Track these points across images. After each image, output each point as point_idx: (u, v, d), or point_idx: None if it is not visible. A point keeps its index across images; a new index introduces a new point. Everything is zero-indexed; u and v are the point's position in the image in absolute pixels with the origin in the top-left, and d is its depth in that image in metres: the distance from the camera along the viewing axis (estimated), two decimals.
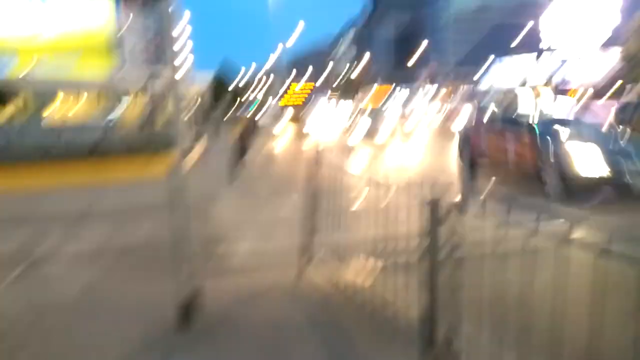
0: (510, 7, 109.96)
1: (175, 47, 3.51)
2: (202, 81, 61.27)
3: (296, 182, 12.26)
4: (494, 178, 10.46)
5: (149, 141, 16.97)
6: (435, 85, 56.65)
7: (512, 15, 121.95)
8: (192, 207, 3.92)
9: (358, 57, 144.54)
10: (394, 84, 56.45)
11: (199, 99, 60.26)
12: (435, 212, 2.89)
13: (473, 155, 11.58)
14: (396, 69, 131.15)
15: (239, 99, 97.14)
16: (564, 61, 28.13)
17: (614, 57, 33.51)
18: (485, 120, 11.49)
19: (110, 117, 20.60)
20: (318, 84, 60.66)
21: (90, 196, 9.79)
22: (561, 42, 28.25)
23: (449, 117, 32.77)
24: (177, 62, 3.52)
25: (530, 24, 64.98)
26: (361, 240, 4.65)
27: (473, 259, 3.15)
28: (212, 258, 5.85)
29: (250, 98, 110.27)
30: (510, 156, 9.85)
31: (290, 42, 46.35)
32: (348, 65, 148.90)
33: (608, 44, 35.00)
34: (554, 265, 2.58)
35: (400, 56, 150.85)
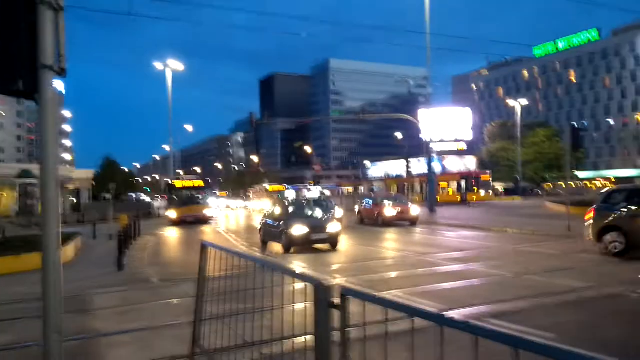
0: (383, 118, 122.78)
1: (51, 144, 3.28)
2: (85, 176, 58.55)
3: (186, 268, 12.37)
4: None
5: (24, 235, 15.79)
6: (319, 186, 60.11)
7: (385, 126, 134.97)
8: (70, 299, 3.43)
9: (247, 159, 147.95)
10: (284, 184, 59.44)
11: (81, 193, 57.03)
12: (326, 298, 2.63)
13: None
14: (283, 171, 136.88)
15: (124, 192, 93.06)
16: (428, 161, 32.62)
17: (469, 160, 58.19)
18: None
19: None
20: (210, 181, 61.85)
21: None
22: (433, 145, 33.10)
23: None
24: (51, 159, 3.28)
25: (397, 134, 76.94)
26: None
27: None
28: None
29: (137, 193, 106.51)
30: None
31: (172, 143, 47.12)
32: (237, 166, 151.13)
33: (464, 153, 49.06)
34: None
35: (288, 158, 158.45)
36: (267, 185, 59.21)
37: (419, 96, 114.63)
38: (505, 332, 1.70)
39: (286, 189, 56.55)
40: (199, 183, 33.45)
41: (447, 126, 36.26)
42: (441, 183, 50.02)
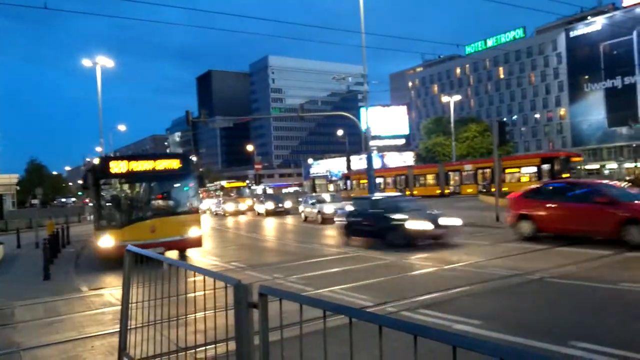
0: (324, 116, 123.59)
1: None
2: (7, 181, 54.95)
3: (120, 275, 11.89)
4: None
5: None
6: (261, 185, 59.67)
7: (326, 123, 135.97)
8: None
9: None
10: (246, 181, 58.75)
11: (4, 200, 53.44)
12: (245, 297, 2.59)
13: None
14: (224, 170, 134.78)
15: (53, 197, 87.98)
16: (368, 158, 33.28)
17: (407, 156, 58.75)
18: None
19: None
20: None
21: None
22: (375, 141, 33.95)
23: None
24: None
25: (338, 132, 77.10)
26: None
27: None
28: None
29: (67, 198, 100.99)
30: None
31: (104, 144, 45.14)
32: None
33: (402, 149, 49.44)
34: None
35: (229, 157, 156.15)
36: (223, 182, 56.51)
37: (358, 93, 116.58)
38: (406, 321, 1.77)
39: (247, 185, 54.83)
40: (171, 164, 14.49)
41: (386, 123, 37.17)
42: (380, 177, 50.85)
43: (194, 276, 3.52)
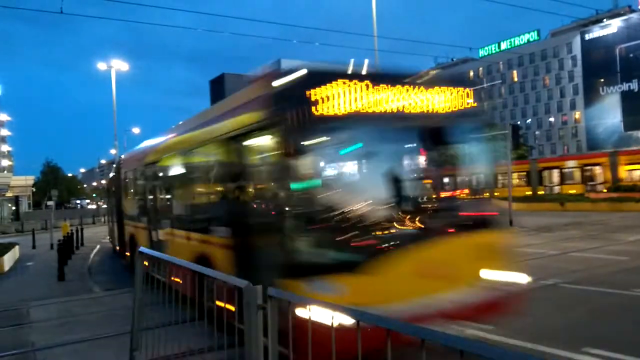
0: None
1: None
2: (24, 183, 55.80)
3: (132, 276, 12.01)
4: None
5: None
6: None
7: None
8: (4, 312, 3.57)
9: None
10: None
11: (20, 201, 54.18)
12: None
13: None
14: None
15: (68, 199, 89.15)
16: None
17: None
18: None
19: None
20: None
21: None
22: None
23: None
24: None
25: None
26: None
27: None
28: None
29: (81, 199, 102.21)
30: None
31: (119, 147, 45.58)
32: None
33: None
34: None
35: None
36: None
37: None
38: (415, 325, 1.77)
39: None
40: (462, 101, 5.35)
41: None
42: None
43: (205, 278, 3.55)
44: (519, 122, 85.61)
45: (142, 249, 4.83)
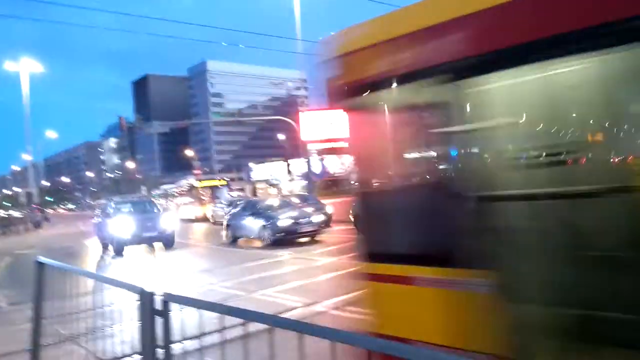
0: (265, 120, 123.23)
1: None
2: None
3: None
4: None
5: None
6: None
7: (268, 128, 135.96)
8: None
9: (122, 166, 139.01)
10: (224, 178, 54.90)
11: None
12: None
13: None
14: (162, 177, 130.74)
15: None
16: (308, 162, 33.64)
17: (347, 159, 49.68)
18: None
19: None
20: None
21: None
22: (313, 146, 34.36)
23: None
24: None
25: (279, 136, 77.36)
26: None
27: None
28: None
29: None
30: None
31: (32, 152, 42.71)
32: (111, 174, 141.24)
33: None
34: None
35: (168, 163, 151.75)
36: (194, 182, 45.11)
37: (298, 98, 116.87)
38: (295, 320, 1.83)
39: (227, 182, 46.27)
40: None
41: (325, 127, 37.43)
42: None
43: (104, 286, 3.44)
44: None
45: (39, 259, 4.57)
